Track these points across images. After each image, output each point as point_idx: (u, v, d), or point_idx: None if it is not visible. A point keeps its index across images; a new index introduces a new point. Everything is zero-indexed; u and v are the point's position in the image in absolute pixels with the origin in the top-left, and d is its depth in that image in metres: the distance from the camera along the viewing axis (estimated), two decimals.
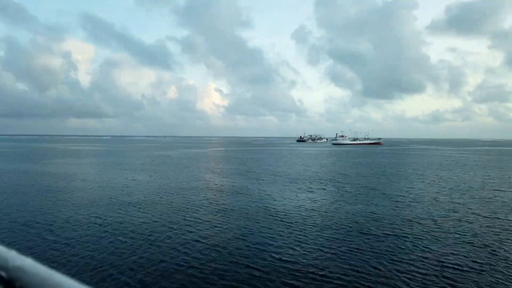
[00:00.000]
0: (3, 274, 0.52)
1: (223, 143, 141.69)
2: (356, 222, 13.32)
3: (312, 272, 8.63)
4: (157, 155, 55.93)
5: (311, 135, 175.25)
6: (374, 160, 47.27)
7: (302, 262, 9.25)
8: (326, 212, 15.14)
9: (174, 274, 8.47)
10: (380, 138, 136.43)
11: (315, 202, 17.27)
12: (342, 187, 22.40)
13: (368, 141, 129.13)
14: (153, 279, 8.17)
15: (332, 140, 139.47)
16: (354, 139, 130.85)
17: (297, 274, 8.55)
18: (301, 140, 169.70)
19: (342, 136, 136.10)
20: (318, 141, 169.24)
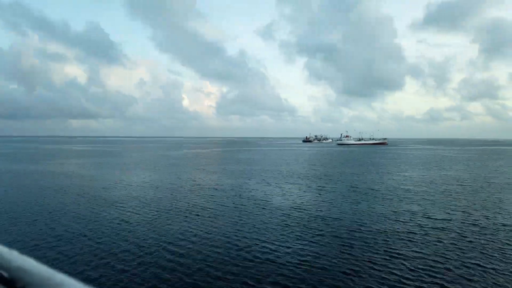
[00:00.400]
0: (5, 274, 0.52)
1: (219, 145, 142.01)
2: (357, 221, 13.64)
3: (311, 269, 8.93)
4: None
5: (316, 135, 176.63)
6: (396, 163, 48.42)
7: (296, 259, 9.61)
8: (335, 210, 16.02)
9: (170, 272, 8.72)
10: (385, 138, 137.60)
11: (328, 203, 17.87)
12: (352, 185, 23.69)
13: (373, 141, 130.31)
14: (153, 276, 8.46)
15: (337, 140, 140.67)
16: (359, 139, 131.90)
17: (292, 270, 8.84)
18: (307, 140, 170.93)
19: (346, 136, 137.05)
20: (324, 141, 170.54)
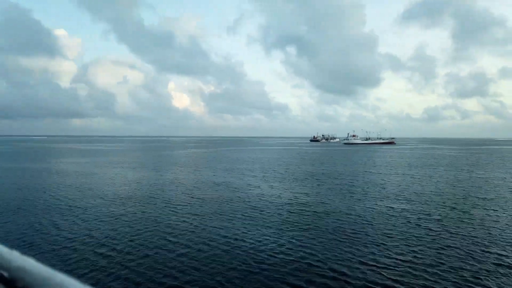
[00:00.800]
0: (5, 274, 0.53)
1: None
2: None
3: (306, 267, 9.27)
4: None
5: (323, 135, 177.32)
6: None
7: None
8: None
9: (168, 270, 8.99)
10: (393, 138, 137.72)
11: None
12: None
13: (381, 141, 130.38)
14: (149, 274, 8.70)
15: (344, 139, 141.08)
16: (367, 139, 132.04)
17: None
18: (314, 139, 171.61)
19: (353, 135, 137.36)
20: (331, 140, 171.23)
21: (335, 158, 52.22)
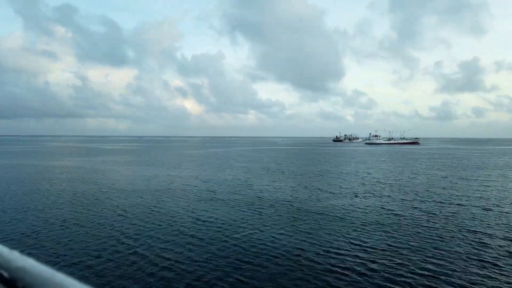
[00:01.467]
0: (5, 274, 0.53)
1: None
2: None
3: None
4: None
5: (346, 135, 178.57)
6: None
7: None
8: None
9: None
10: (417, 138, 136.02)
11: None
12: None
13: (404, 141, 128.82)
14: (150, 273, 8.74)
15: (366, 139, 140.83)
16: (389, 139, 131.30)
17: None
18: (337, 140, 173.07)
19: (375, 135, 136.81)
20: (354, 140, 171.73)
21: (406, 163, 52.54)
